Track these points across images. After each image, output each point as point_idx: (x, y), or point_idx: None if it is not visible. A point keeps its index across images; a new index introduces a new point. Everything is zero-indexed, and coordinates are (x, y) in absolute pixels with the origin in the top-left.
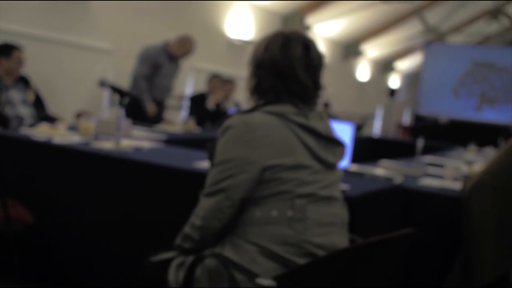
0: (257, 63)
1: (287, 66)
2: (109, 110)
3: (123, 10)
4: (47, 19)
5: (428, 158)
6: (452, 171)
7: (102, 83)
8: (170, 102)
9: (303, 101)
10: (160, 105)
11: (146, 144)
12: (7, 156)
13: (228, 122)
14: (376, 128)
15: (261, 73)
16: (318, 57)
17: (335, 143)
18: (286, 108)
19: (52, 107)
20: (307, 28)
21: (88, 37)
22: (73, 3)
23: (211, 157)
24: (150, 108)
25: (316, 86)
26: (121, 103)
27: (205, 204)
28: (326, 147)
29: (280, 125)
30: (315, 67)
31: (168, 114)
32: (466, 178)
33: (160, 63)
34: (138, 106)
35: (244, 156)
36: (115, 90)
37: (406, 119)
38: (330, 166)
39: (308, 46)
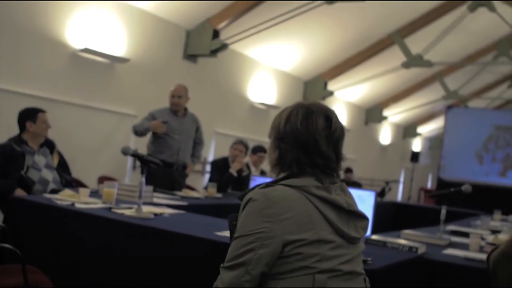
0: (279, 136)
1: (310, 139)
2: (132, 175)
3: (146, 75)
4: (72, 85)
5: (452, 227)
6: (477, 240)
7: (125, 152)
8: (191, 166)
9: (325, 173)
10: (177, 168)
11: (167, 211)
12: (30, 221)
13: (249, 195)
14: (399, 193)
15: (283, 146)
16: (340, 128)
17: (358, 217)
18: (308, 182)
19: (75, 171)
20: (330, 93)
21: (112, 103)
22: (98, 67)
23: (232, 230)
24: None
25: (338, 157)
26: (142, 171)
27: (224, 277)
28: (348, 221)
29: (301, 199)
30: (337, 139)
31: (190, 179)
32: (491, 248)
33: (162, 119)
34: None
35: (265, 231)
36: (137, 157)
37: (429, 183)
38: (353, 240)
39: (330, 117)
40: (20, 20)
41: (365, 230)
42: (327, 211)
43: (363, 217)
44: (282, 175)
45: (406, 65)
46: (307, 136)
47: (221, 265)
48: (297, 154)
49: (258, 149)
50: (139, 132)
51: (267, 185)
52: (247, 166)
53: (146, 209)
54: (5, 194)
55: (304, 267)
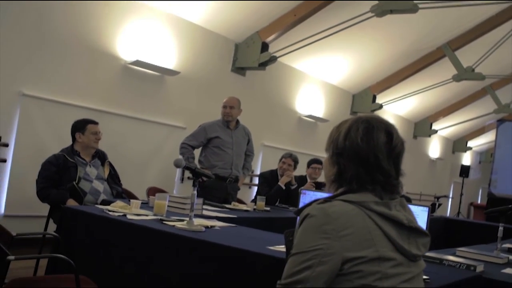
0: (337, 151)
1: (370, 155)
2: (180, 187)
3: (195, 88)
4: (123, 97)
5: (509, 245)
6: None
7: (178, 164)
8: (242, 178)
9: (385, 189)
10: (230, 182)
11: (217, 224)
12: (81, 231)
13: (307, 210)
14: (448, 208)
15: (342, 161)
16: (401, 143)
17: (419, 233)
18: (367, 197)
19: (125, 182)
20: (378, 106)
21: (162, 115)
22: (149, 79)
23: (288, 246)
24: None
25: (398, 173)
26: (194, 183)
27: None
28: (409, 237)
29: (360, 215)
30: (397, 154)
31: (239, 192)
32: None
33: (215, 133)
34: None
35: (324, 247)
36: (190, 170)
37: (479, 198)
38: (414, 258)
39: (391, 132)
40: (72, 34)
41: (426, 247)
42: (387, 228)
43: (424, 233)
44: (340, 190)
45: (457, 78)
46: (367, 152)
47: (278, 282)
48: (357, 171)
49: (313, 161)
50: (183, 159)
51: (325, 200)
52: (300, 179)
53: (197, 221)
54: (58, 204)
55: (365, 286)
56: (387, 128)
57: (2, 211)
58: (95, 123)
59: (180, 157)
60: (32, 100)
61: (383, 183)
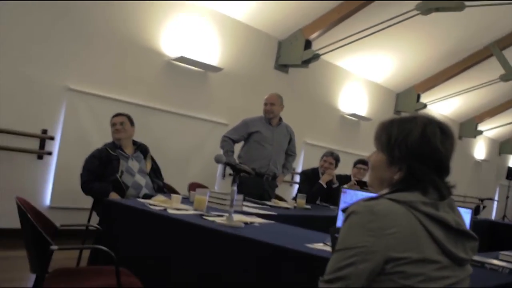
0: (410, 153)
1: (446, 158)
2: (221, 183)
3: (238, 84)
4: (166, 93)
5: None
6: None
7: (218, 160)
8: (281, 177)
9: (437, 189)
10: (267, 178)
11: (257, 220)
12: (123, 224)
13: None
14: (493, 211)
15: (416, 165)
16: (454, 143)
17: (467, 237)
18: (415, 197)
19: (167, 177)
20: (423, 105)
21: (204, 111)
22: (192, 76)
23: (334, 243)
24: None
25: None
26: (234, 179)
27: None
28: (456, 241)
29: (407, 214)
30: (450, 155)
31: (279, 189)
32: None
33: (256, 127)
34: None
35: (367, 245)
36: (230, 166)
37: None
38: (460, 262)
39: (452, 134)
40: (117, 30)
41: (474, 251)
42: (434, 229)
43: (472, 237)
44: (386, 189)
45: (504, 78)
46: (445, 156)
47: (320, 277)
48: (431, 174)
49: (358, 162)
50: (223, 154)
51: (372, 198)
52: (343, 177)
53: (237, 217)
54: (101, 197)
55: (407, 287)
56: (449, 129)
57: (48, 202)
58: (116, 115)
59: (221, 153)
60: (78, 94)
61: (436, 183)
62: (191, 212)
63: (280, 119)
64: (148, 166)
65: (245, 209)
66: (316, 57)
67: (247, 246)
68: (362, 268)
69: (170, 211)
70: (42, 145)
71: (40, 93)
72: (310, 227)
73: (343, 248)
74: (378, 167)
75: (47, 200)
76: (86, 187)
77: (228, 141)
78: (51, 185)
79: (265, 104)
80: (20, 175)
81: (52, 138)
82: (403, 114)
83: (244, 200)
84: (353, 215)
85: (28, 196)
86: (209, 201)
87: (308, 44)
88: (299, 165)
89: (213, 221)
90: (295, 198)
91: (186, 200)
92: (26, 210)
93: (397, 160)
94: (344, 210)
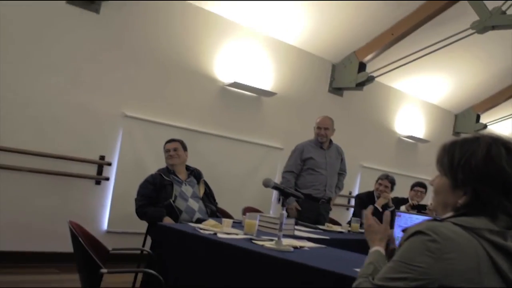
0: (474, 176)
1: None
2: (277, 207)
3: (292, 108)
4: (220, 118)
5: None
6: None
7: (266, 184)
8: (334, 198)
9: (507, 214)
10: (323, 203)
11: (307, 244)
12: (174, 248)
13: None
14: None
15: (482, 188)
16: None
17: None
18: (481, 223)
19: (222, 202)
20: (483, 126)
21: (259, 135)
22: (246, 100)
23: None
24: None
25: None
26: (283, 204)
27: None
28: None
29: (471, 241)
30: None
31: (334, 213)
32: None
33: (308, 153)
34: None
35: (424, 266)
36: (278, 190)
37: None
38: None
39: None
40: (171, 57)
41: None
42: (499, 259)
43: None
44: (450, 213)
45: None
46: (511, 176)
47: (371, 278)
48: (499, 198)
49: (416, 184)
50: (283, 184)
51: (436, 220)
52: (399, 200)
53: (287, 242)
54: (155, 221)
55: None
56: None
57: (106, 227)
58: (169, 141)
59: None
60: (134, 121)
61: (507, 208)
62: (241, 236)
63: (331, 141)
64: (202, 191)
65: (297, 233)
66: (370, 79)
67: (295, 270)
68: (412, 286)
69: (219, 235)
70: (100, 171)
71: (98, 121)
72: (362, 251)
73: (401, 261)
74: (441, 192)
75: (105, 224)
76: (141, 211)
77: (286, 178)
78: (108, 210)
79: (319, 128)
80: (79, 200)
81: (109, 164)
82: (463, 135)
83: (297, 224)
84: (417, 234)
85: (87, 220)
86: (260, 225)
87: (362, 67)
88: (356, 189)
89: (262, 245)
90: (349, 222)
91: (238, 224)
92: (78, 234)
93: (461, 184)
94: (404, 231)
